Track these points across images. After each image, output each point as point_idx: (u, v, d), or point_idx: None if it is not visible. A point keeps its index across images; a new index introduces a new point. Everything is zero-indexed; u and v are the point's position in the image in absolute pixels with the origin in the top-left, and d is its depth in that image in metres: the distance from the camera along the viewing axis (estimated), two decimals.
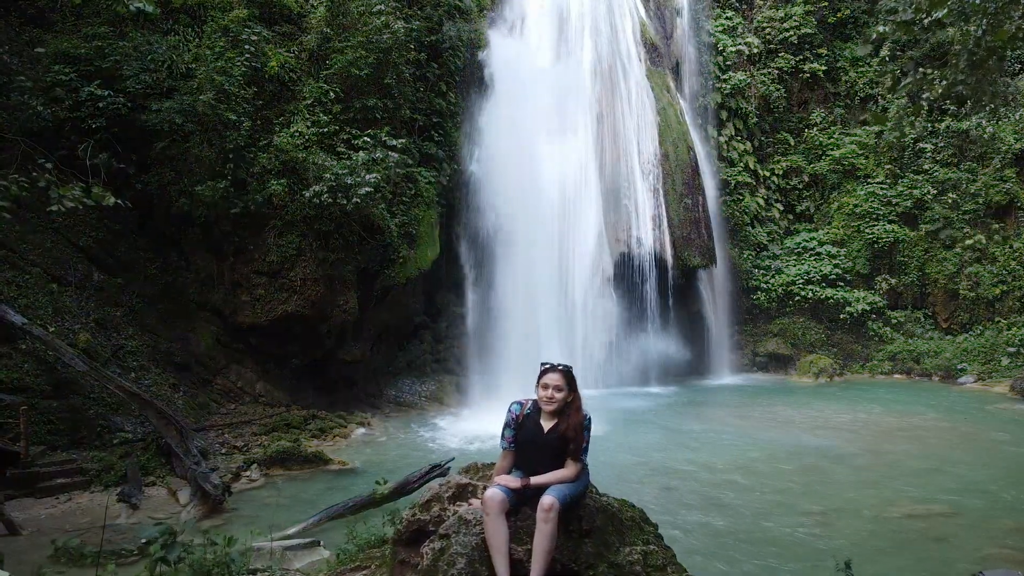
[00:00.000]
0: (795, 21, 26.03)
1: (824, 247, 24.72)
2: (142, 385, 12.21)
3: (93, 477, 10.05)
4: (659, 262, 20.91)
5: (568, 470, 4.08)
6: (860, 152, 25.25)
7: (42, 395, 10.77)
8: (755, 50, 26.07)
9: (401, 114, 16.47)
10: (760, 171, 25.82)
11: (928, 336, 22.99)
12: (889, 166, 24.77)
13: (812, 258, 24.70)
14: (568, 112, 20.00)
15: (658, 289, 20.93)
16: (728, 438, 13.70)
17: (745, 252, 24.84)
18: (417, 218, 16.49)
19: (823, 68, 26.25)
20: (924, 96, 9.16)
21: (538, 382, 4.28)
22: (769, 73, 26.01)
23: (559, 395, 4.19)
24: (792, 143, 26.51)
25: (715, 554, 7.63)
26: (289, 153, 14.13)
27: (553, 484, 3.99)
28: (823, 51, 26.38)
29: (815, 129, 26.35)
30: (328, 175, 13.81)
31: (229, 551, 5.08)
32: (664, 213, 21.24)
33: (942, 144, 24.09)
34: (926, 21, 7.17)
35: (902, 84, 9.24)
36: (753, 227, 25.33)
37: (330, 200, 13.73)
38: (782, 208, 26.12)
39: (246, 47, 14.22)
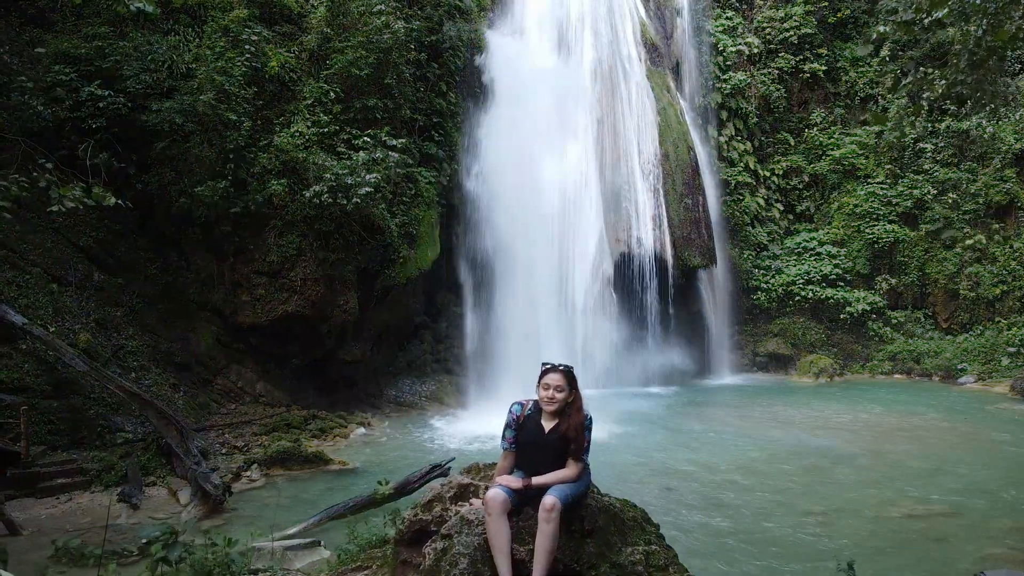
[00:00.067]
0: (795, 21, 26.04)
1: (824, 247, 24.73)
2: (142, 385, 12.22)
3: (93, 477, 10.04)
4: (659, 262, 20.91)
5: (569, 470, 4.08)
6: (860, 152, 25.26)
7: (42, 395, 10.77)
8: (755, 50, 26.08)
9: (401, 114, 16.46)
10: (760, 171, 25.83)
11: (928, 336, 23.00)
12: (889, 166, 24.78)
13: (812, 258, 24.71)
14: (568, 113, 20.00)
15: (658, 289, 20.93)
16: (729, 438, 13.70)
17: (745, 252, 24.84)
18: (417, 218, 16.49)
19: (823, 68, 26.25)
20: (924, 96, 9.16)
21: (539, 382, 4.27)
22: (769, 73, 26.01)
23: (560, 395, 4.19)
24: (792, 143, 26.51)
25: (716, 554, 7.63)
26: (289, 153, 14.13)
27: (554, 484, 3.99)
28: (823, 51, 26.39)
29: (815, 129, 26.36)
30: (328, 175, 13.80)
31: (230, 551, 5.08)
32: (664, 213, 21.24)
33: (942, 144, 24.09)
34: (926, 21, 7.17)
35: (902, 84, 9.24)
36: (753, 227, 25.33)
37: (330, 200, 13.73)
38: (782, 208, 26.13)
39: (246, 47, 14.22)
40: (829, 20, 26.54)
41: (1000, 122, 21.63)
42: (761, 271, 24.86)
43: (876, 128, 23.70)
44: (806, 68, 26.17)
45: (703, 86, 25.17)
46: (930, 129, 24.24)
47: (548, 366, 4.30)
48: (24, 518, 8.74)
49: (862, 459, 11.96)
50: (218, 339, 14.86)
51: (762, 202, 25.58)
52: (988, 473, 10.99)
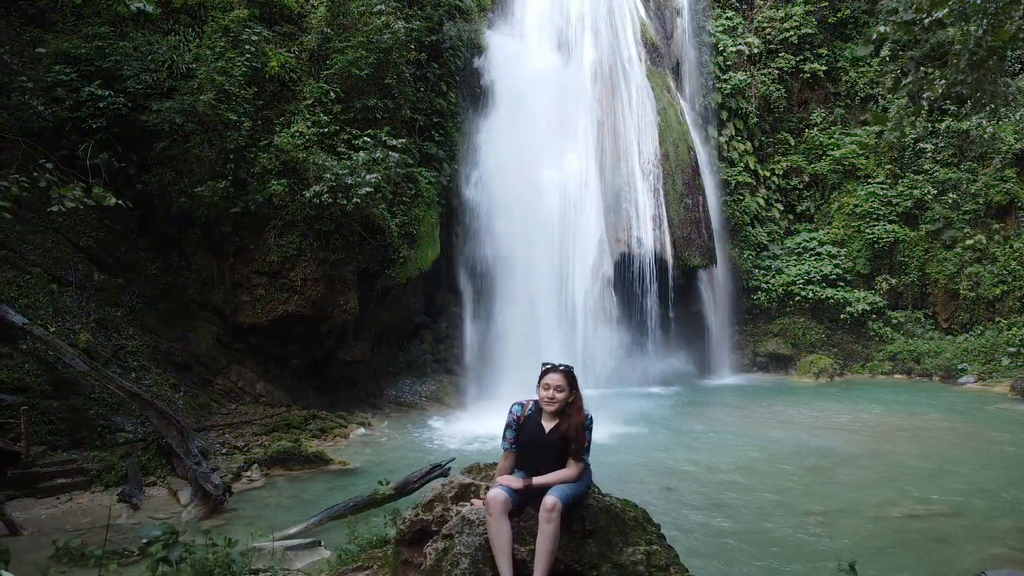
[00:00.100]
0: (795, 21, 26.04)
1: (824, 247, 24.74)
2: (143, 385, 12.22)
3: (94, 477, 10.04)
4: (659, 262, 20.91)
5: (570, 470, 4.08)
6: (860, 152, 25.26)
7: (43, 395, 10.76)
8: (755, 50, 26.08)
9: (401, 114, 16.47)
10: (760, 171, 25.83)
11: (928, 336, 23.00)
12: (889, 166, 24.79)
13: (812, 258, 24.71)
14: (568, 113, 19.99)
15: (658, 289, 20.94)
16: (729, 438, 13.70)
17: (745, 252, 24.85)
18: (417, 218, 16.49)
19: (823, 68, 26.26)
20: (924, 96, 9.16)
21: (539, 382, 4.27)
22: (769, 73, 26.01)
23: (560, 395, 4.18)
24: (792, 143, 26.52)
25: (717, 554, 7.63)
26: (289, 153, 14.13)
27: (555, 484, 3.99)
28: (823, 51, 26.39)
29: (815, 129, 26.37)
30: (328, 175, 13.80)
31: (230, 551, 5.08)
32: (664, 213, 21.25)
33: (942, 144, 24.10)
34: (926, 21, 7.16)
35: (902, 84, 9.23)
36: (753, 227, 25.33)
37: (330, 200, 13.73)
38: (782, 208, 26.13)
39: (246, 47, 14.23)
40: (829, 20, 26.55)
41: (1000, 122, 21.63)
42: (761, 271, 24.86)
43: (876, 128, 23.70)
44: (806, 68, 26.17)
45: (703, 86, 25.18)
46: (930, 129, 24.24)
47: (548, 366, 4.30)
48: (24, 518, 8.74)
49: (862, 459, 11.96)
50: (218, 339, 14.86)
51: (762, 202, 25.58)
52: (988, 473, 10.99)
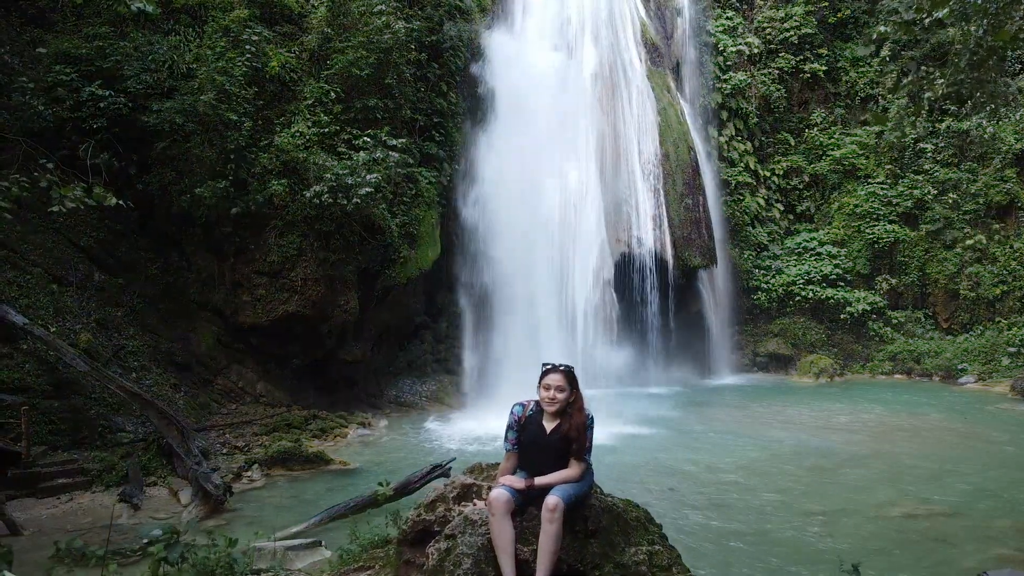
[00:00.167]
0: (795, 21, 26.04)
1: (824, 247, 24.74)
2: (143, 385, 12.22)
3: (94, 477, 10.04)
4: (660, 262, 20.92)
5: (572, 470, 4.08)
6: (860, 152, 25.26)
7: (43, 395, 10.77)
8: (755, 50, 26.08)
9: (402, 114, 16.47)
10: (760, 171, 25.84)
11: (929, 336, 23.00)
12: (889, 166, 24.79)
13: (812, 258, 24.71)
14: (568, 113, 19.97)
15: (659, 289, 20.93)
16: (729, 438, 13.70)
17: (745, 252, 24.85)
18: (418, 218, 16.49)
19: (823, 68, 26.26)
20: (925, 96, 9.16)
21: (539, 383, 4.27)
22: (769, 73, 26.01)
23: (561, 395, 4.18)
24: (792, 143, 26.52)
25: (718, 555, 7.63)
26: (290, 153, 14.13)
27: (557, 484, 3.99)
28: (823, 51, 26.39)
29: (815, 129, 26.37)
30: (329, 175, 13.81)
31: (231, 551, 5.07)
32: (665, 213, 21.25)
33: (942, 144, 24.10)
34: (927, 21, 7.16)
35: (903, 84, 9.24)
36: (753, 227, 25.34)
37: (331, 200, 13.73)
38: (782, 208, 26.14)
39: (247, 47, 14.23)
40: (829, 20, 26.55)
41: (1000, 122, 21.62)
42: (761, 271, 24.87)
43: (876, 128, 23.71)
44: (806, 68, 26.17)
45: (703, 86, 25.18)
46: (930, 129, 24.25)
47: (548, 366, 4.29)
48: (25, 518, 8.75)
49: (863, 459, 11.96)
50: (219, 339, 14.86)
51: (762, 202, 25.59)
52: (988, 473, 10.99)
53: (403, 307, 17.41)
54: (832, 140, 25.93)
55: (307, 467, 11.52)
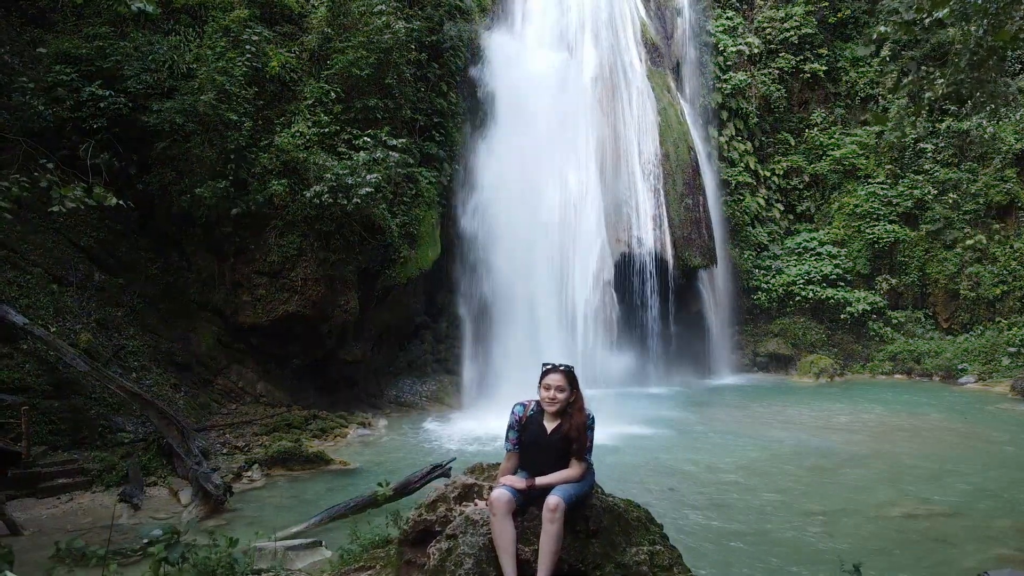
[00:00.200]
0: (796, 21, 26.04)
1: (825, 247, 24.74)
2: (143, 385, 12.21)
3: (95, 477, 10.04)
4: (660, 262, 20.92)
5: (573, 470, 4.08)
6: (861, 152, 25.27)
7: (43, 395, 10.77)
8: (755, 50, 26.08)
9: (402, 114, 16.47)
10: (761, 171, 25.84)
11: (929, 336, 23.00)
12: (890, 166, 24.79)
13: (813, 258, 24.72)
14: (569, 113, 19.97)
15: (659, 289, 20.93)
16: (730, 438, 13.70)
17: (746, 252, 24.85)
18: (418, 218, 16.49)
19: (824, 68, 26.26)
20: (925, 96, 9.17)
21: (540, 383, 4.27)
22: (770, 73, 26.02)
23: (561, 395, 4.18)
24: (793, 143, 26.52)
25: (718, 555, 7.64)
26: (290, 153, 14.13)
27: (558, 484, 3.99)
28: (824, 51, 26.39)
29: (815, 129, 26.37)
30: (329, 175, 13.81)
31: (232, 551, 5.07)
32: (665, 213, 21.25)
33: (943, 144, 24.11)
34: (927, 21, 7.16)
35: (903, 84, 9.24)
36: (754, 227, 25.34)
37: (331, 200, 13.73)
38: (783, 208, 26.14)
39: (247, 47, 14.22)
40: (829, 20, 26.55)
41: (1000, 122, 21.63)
42: (761, 271, 24.87)
43: (876, 128, 23.72)
44: (806, 68, 26.17)
45: (703, 86, 25.18)
46: (930, 129, 24.26)
47: (549, 367, 4.29)
48: (25, 518, 8.75)
49: (863, 459, 11.96)
50: (219, 339, 14.86)
51: (762, 202, 25.59)
52: (989, 473, 10.99)
53: (403, 307, 17.40)
54: (832, 140, 25.94)
55: (307, 467, 11.52)
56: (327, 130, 14.91)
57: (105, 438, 10.96)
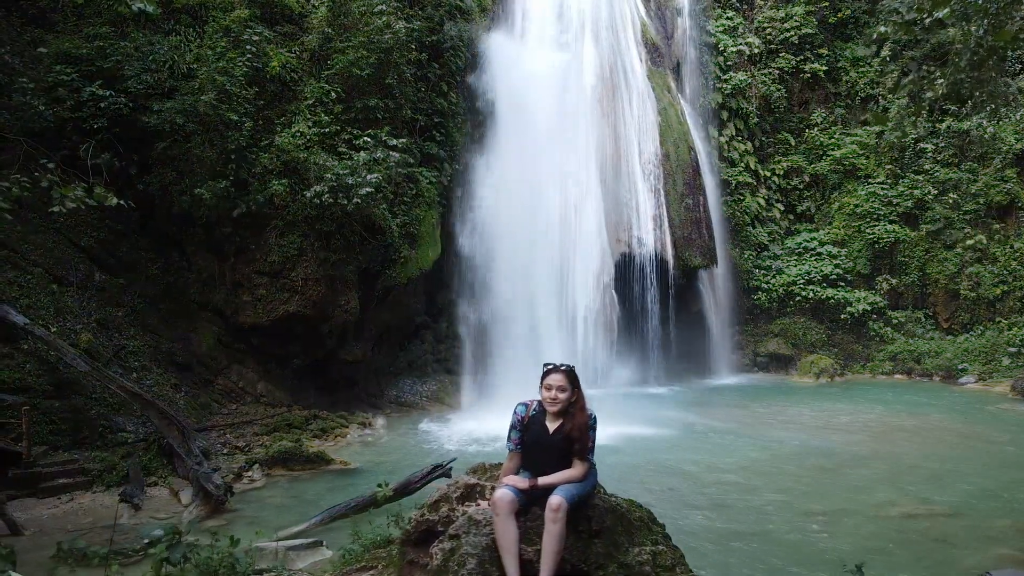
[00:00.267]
0: (796, 21, 26.04)
1: (825, 247, 24.74)
2: (144, 385, 12.21)
3: (95, 477, 10.03)
4: (660, 262, 20.92)
5: (575, 470, 4.09)
6: (861, 152, 25.27)
7: (44, 395, 10.76)
8: (756, 50, 26.08)
9: (402, 114, 16.47)
10: (761, 171, 25.84)
11: (929, 336, 23.00)
12: (890, 166, 24.79)
13: (813, 258, 24.72)
14: (569, 113, 19.98)
15: (659, 289, 20.93)
16: (730, 438, 13.71)
17: (746, 252, 24.85)
18: (418, 218, 16.49)
19: (824, 68, 26.25)
20: (925, 96, 9.16)
21: (541, 383, 4.28)
22: (770, 73, 26.01)
23: (562, 395, 4.19)
24: (793, 143, 26.52)
25: (719, 555, 7.64)
26: (290, 153, 14.13)
27: (561, 484, 3.99)
28: (824, 51, 26.39)
29: (816, 129, 26.37)
30: (329, 175, 13.81)
31: (233, 551, 5.08)
32: (665, 213, 21.25)
33: (943, 144, 24.11)
34: (927, 21, 7.16)
35: (903, 84, 9.23)
36: (754, 227, 25.34)
37: (331, 200, 13.73)
38: (783, 208, 26.14)
39: (247, 47, 14.22)
40: (830, 20, 26.55)
41: (1001, 122, 21.63)
42: (762, 271, 24.87)
43: (877, 128, 23.71)
44: (807, 68, 26.17)
45: (704, 86, 25.17)
46: (931, 129, 24.25)
47: (550, 367, 4.30)
48: (26, 518, 8.75)
49: (863, 459, 11.96)
50: (219, 339, 14.86)
51: (763, 202, 25.59)
52: (989, 473, 10.99)
53: (403, 307, 17.40)
54: (832, 140, 25.93)
55: (308, 467, 11.53)
56: (327, 130, 14.91)
57: (106, 438, 10.96)
